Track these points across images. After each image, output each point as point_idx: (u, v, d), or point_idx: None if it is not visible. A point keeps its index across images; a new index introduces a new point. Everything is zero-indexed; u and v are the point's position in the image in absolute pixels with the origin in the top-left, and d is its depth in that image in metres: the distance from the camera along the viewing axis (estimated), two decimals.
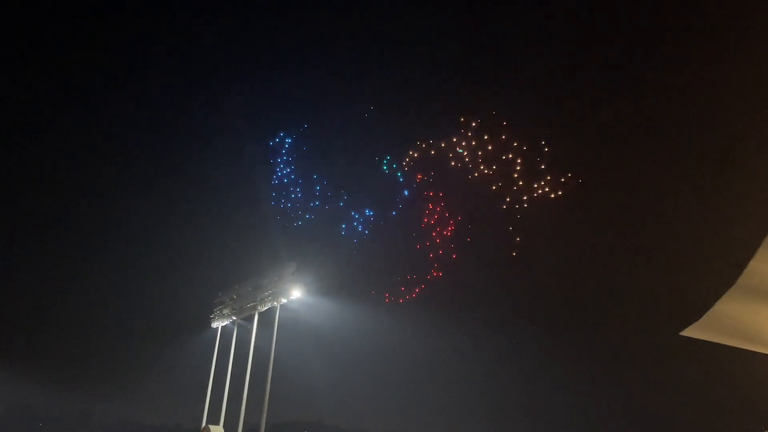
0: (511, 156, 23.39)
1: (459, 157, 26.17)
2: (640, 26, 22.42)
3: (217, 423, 30.03)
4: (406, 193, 28.33)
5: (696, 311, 19.03)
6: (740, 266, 17.01)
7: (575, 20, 23.37)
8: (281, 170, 33.33)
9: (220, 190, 34.59)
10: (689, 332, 19.81)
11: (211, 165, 35.85)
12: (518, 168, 23.12)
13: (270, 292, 30.31)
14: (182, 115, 37.99)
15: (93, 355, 35.46)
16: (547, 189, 22.92)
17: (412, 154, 27.82)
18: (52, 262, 36.73)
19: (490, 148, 24.68)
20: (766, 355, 19.34)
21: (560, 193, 22.51)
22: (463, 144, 25.88)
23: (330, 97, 31.86)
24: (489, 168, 24.17)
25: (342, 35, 31.98)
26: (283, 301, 29.87)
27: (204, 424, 30.91)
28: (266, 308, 30.66)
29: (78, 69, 38.23)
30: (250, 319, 31.28)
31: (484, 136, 25.34)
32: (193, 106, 37.53)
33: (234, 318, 32.35)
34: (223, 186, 34.80)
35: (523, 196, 23.15)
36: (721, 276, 17.93)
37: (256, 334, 30.64)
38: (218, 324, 33.01)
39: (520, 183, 23.24)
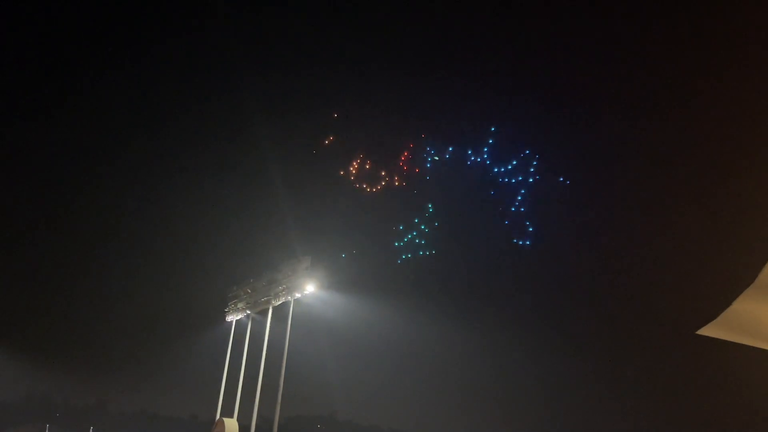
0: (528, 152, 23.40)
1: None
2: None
3: (231, 415, 30.31)
4: None
5: (713, 310, 18.85)
6: (759, 265, 16.84)
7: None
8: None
9: (236, 184, 34.61)
10: (706, 331, 19.56)
11: (230, 160, 35.88)
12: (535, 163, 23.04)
13: (284, 286, 30.45)
14: (196, 107, 37.97)
15: (110, 345, 35.94)
16: (560, 185, 22.84)
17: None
18: (70, 253, 37.20)
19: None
20: None
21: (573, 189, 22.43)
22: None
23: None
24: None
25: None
26: (297, 295, 30.01)
27: (218, 416, 31.22)
28: (280, 303, 30.83)
29: (91, 62, 38.19)
30: (265, 313, 31.48)
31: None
32: (211, 98, 37.43)
33: (248, 312, 32.57)
34: (239, 180, 34.79)
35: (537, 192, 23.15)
36: (738, 274, 17.75)
37: (270, 328, 30.85)
38: (233, 317, 33.27)
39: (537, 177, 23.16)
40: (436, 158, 27.14)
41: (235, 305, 32.99)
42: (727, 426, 19.65)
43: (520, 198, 23.83)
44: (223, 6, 35.97)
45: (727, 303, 18.58)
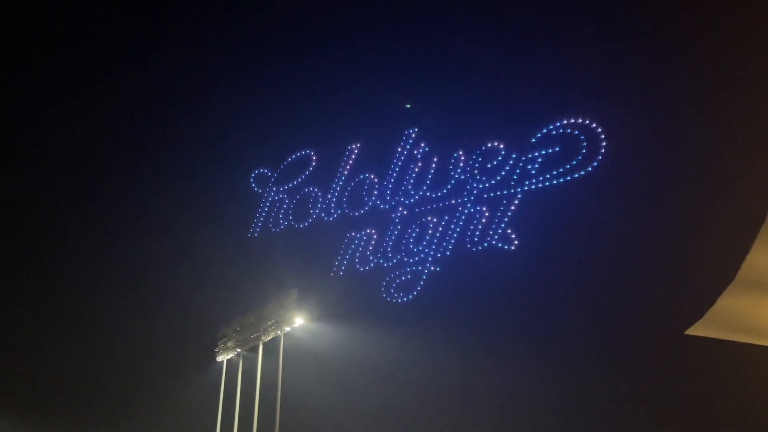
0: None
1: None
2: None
3: None
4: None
5: (698, 309, 18.84)
6: (738, 261, 16.91)
7: None
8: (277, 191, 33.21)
9: (212, 222, 34.38)
10: (694, 330, 19.57)
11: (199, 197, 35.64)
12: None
13: (273, 321, 30.35)
14: (169, 131, 37.78)
15: (97, 401, 35.14)
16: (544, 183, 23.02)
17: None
18: (50, 304, 36.55)
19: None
20: None
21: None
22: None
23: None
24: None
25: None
26: (287, 329, 29.82)
27: None
28: (270, 338, 30.60)
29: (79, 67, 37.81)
30: (255, 350, 31.20)
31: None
32: (181, 118, 37.26)
33: (239, 350, 32.25)
34: (214, 216, 34.56)
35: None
36: (720, 272, 17.79)
37: (263, 364, 30.53)
38: (223, 357, 32.88)
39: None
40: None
41: (225, 344, 32.67)
42: (722, 423, 19.41)
43: (505, 201, 23.94)
44: None
45: (712, 301, 18.63)
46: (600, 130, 21.86)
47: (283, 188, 33.23)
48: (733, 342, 19.72)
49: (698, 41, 20.76)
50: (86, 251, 36.98)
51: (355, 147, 30.31)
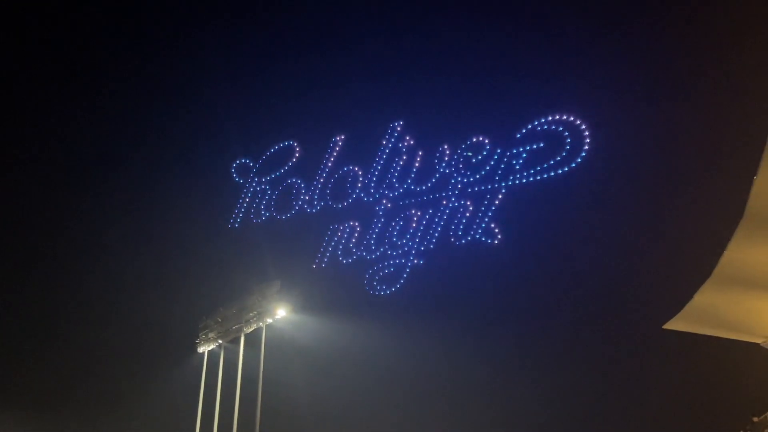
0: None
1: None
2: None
3: None
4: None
5: (676, 304, 19.29)
6: (716, 257, 17.33)
7: None
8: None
9: (196, 212, 33.94)
10: (672, 325, 20.05)
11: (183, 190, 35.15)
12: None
13: (255, 312, 30.20)
14: (155, 129, 37.17)
15: (76, 390, 34.66)
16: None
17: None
18: (33, 297, 35.87)
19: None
20: (747, 343, 19.61)
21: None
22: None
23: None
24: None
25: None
26: (269, 321, 29.72)
27: None
28: (252, 329, 30.48)
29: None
30: (237, 341, 31.05)
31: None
32: (160, 108, 36.62)
33: (220, 341, 32.06)
34: (199, 206, 34.11)
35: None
36: (698, 268, 18.21)
37: (244, 356, 30.42)
38: (204, 348, 32.66)
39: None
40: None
41: (206, 335, 32.44)
42: (699, 417, 19.95)
43: (488, 196, 24.08)
44: None
45: (690, 296, 19.08)
46: (584, 127, 22.14)
47: (266, 179, 32.90)
48: (709, 336, 20.28)
49: (681, 42, 21.11)
50: (67, 245, 36.39)
51: (340, 139, 30.18)
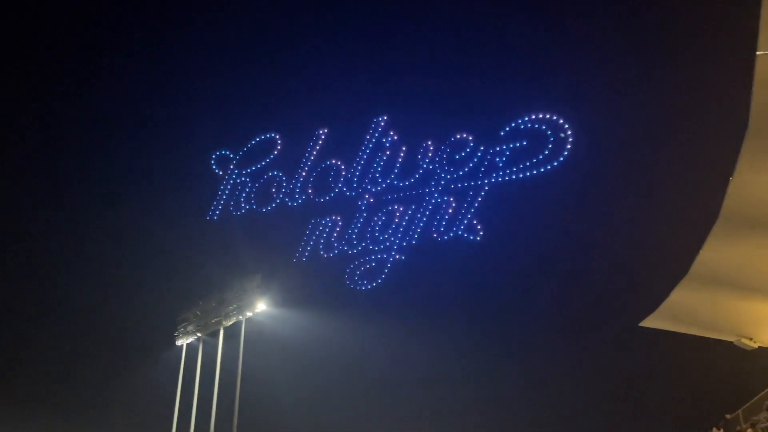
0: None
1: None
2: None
3: None
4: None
5: (653, 302, 19.70)
6: (692, 256, 17.73)
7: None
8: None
9: (176, 204, 33.49)
10: (648, 323, 20.49)
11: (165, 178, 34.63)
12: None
13: (235, 306, 29.99)
14: (135, 122, 36.49)
15: (55, 382, 34.07)
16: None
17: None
18: (10, 290, 35.08)
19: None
20: (720, 341, 20.13)
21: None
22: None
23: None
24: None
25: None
26: (249, 314, 29.56)
27: None
28: (231, 323, 30.29)
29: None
30: (216, 334, 30.84)
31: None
32: (143, 109, 35.94)
33: (199, 334, 31.79)
34: (179, 198, 33.66)
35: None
36: (675, 267, 18.60)
37: (223, 349, 30.23)
38: (183, 341, 32.36)
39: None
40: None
41: (185, 328, 32.14)
42: (673, 414, 20.45)
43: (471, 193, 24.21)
44: None
45: (666, 294, 19.48)
46: (567, 126, 22.42)
47: (246, 171, 32.57)
48: (684, 334, 20.77)
49: (663, 45, 21.45)
50: (45, 237, 35.66)
51: (323, 132, 30.04)
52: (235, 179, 32.75)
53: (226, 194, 32.83)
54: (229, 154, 33.14)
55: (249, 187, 32.23)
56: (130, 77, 35.57)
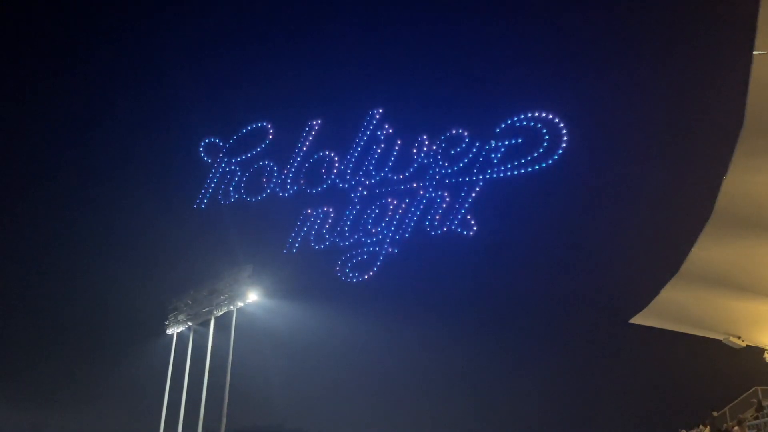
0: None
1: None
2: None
3: (174, 431, 29.55)
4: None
5: (643, 299, 19.96)
6: (683, 255, 17.96)
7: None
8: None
9: (170, 193, 33.17)
10: (638, 320, 20.77)
11: (158, 166, 34.27)
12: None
13: (226, 296, 29.94)
14: (123, 108, 35.95)
15: (44, 367, 33.87)
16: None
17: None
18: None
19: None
20: (709, 339, 20.47)
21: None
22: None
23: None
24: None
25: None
26: (240, 304, 29.53)
27: None
28: (222, 312, 30.25)
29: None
30: (207, 324, 30.79)
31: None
32: (132, 95, 35.37)
33: (189, 324, 31.73)
34: (173, 188, 33.34)
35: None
36: (665, 264, 18.84)
37: (214, 339, 30.21)
38: (173, 330, 32.29)
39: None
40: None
41: (176, 317, 32.05)
42: (662, 412, 20.80)
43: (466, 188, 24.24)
44: None
45: (656, 292, 19.74)
46: (562, 125, 22.46)
47: (236, 160, 32.20)
48: (673, 332, 21.10)
49: (658, 44, 21.54)
50: (34, 226, 35.23)
51: (316, 123, 29.79)
52: (224, 168, 32.38)
53: (214, 183, 32.48)
54: (219, 142, 32.74)
55: (239, 176, 31.90)
56: (120, 64, 35.05)
